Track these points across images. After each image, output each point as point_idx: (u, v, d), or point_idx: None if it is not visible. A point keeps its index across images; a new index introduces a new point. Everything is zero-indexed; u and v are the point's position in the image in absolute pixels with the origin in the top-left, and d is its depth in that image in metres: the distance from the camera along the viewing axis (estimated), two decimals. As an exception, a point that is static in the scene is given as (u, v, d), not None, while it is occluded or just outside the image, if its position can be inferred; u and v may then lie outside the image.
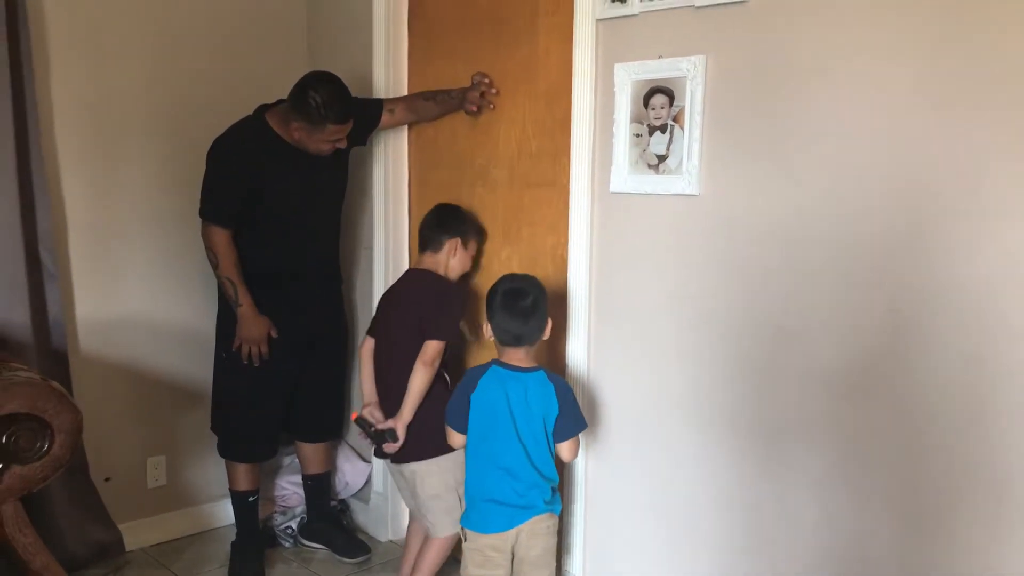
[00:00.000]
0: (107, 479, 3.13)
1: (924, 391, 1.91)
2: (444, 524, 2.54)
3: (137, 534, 3.23)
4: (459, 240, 2.71)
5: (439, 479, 2.53)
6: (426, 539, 2.63)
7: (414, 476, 2.56)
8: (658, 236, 2.37)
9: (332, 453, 3.37)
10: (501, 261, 2.86)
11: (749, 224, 2.17)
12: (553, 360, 2.72)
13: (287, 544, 3.31)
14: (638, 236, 2.42)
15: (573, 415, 2.26)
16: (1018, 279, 1.77)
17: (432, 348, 2.50)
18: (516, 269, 2.79)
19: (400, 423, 2.49)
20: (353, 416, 2.64)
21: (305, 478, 3.31)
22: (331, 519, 3.32)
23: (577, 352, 2.62)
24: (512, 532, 2.21)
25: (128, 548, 3.19)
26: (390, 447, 2.51)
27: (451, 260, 2.70)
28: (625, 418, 2.53)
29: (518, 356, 2.26)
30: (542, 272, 2.72)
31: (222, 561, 3.12)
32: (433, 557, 2.60)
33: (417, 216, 3.03)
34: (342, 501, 3.46)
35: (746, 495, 2.25)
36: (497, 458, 2.20)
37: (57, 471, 2.18)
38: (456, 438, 2.33)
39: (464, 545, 2.28)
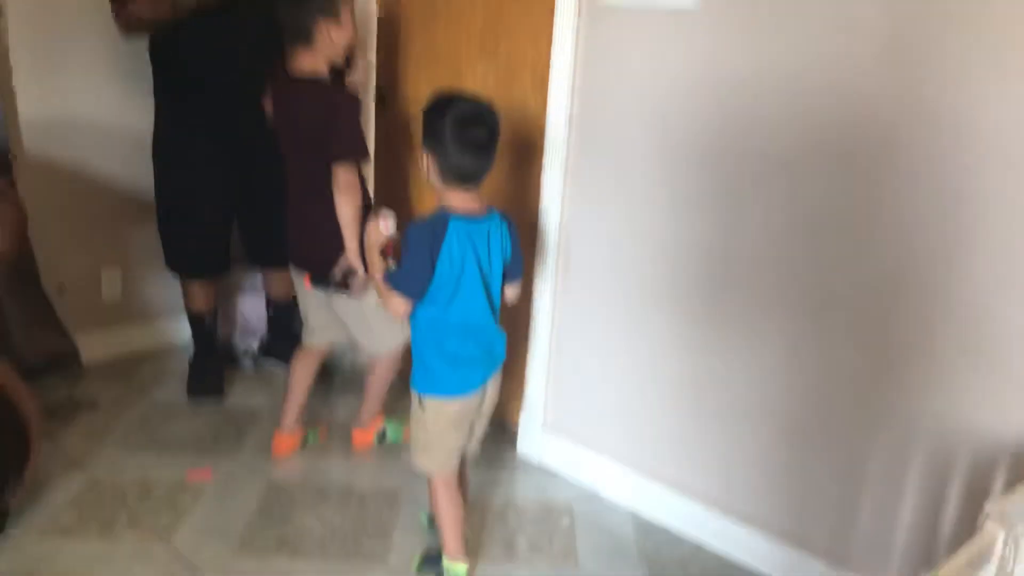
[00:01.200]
0: (60, 289, 3.04)
1: (902, 224, 1.87)
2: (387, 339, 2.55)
3: (93, 347, 3.18)
4: (328, 18, 2.31)
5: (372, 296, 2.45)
6: (373, 365, 2.64)
7: (348, 305, 2.49)
8: (648, 57, 2.24)
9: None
10: (476, 77, 2.70)
11: (747, 45, 2.05)
12: (524, 195, 2.63)
13: (247, 364, 3.29)
14: (626, 56, 2.28)
15: (519, 254, 2.09)
16: (1005, 108, 1.70)
17: (342, 174, 2.29)
18: (492, 87, 2.64)
19: (352, 258, 2.36)
20: (306, 283, 2.50)
21: (269, 302, 3.26)
22: (295, 340, 3.29)
23: (552, 185, 2.52)
24: (484, 386, 2.08)
25: (85, 361, 3.15)
26: (357, 284, 2.41)
27: (328, 46, 2.34)
28: (598, 264, 2.47)
29: (470, 199, 1.95)
30: (519, 93, 2.58)
31: (181, 375, 3.09)
32: (387, 376, 2.63)
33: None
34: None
35: (716, 339, 2.24)
36: (468, 316, 1.99)
37: (1, 266, 2.08)
38: (402, 306, 1.95)
39: (426, 417, 2.04)
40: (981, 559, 1.38)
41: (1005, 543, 1.41)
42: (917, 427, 1.94)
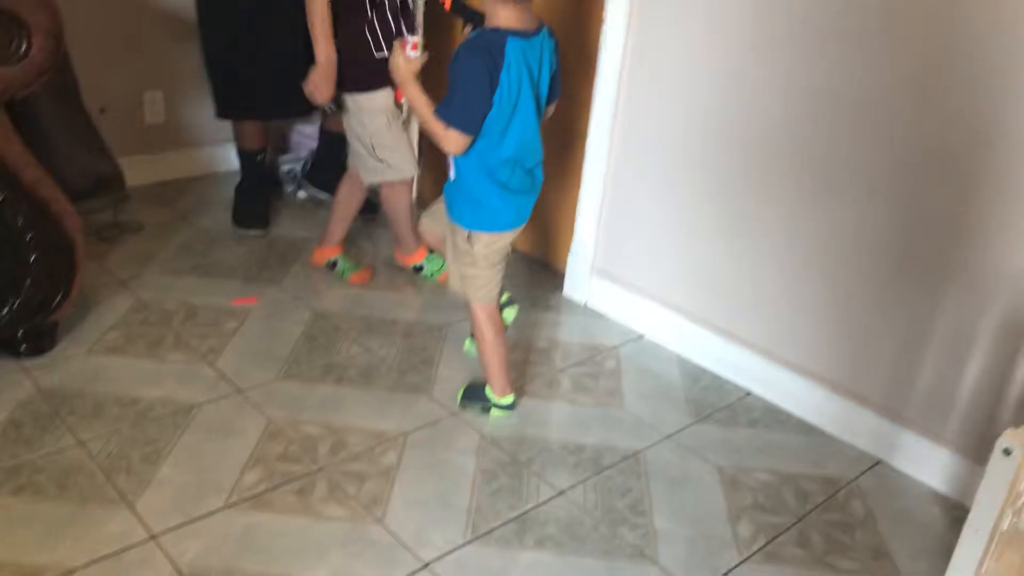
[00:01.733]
0: (102, 110, 2.95)
1: (975, 78, 1.69)
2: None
3: (136, 172, 3.13)
4: None
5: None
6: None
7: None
8: None
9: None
10: None
11: None
12: (583, 19, 2.44)
13: (289, 188, 3.23)
14: None
15: (559, 74, 1.95)
16: None
17: None
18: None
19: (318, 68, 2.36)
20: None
21: (323, 132, 3.15)
22: (342, 170, 3.21)
23: (617, 7, 2.33)
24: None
25: (128, 186, 3.11)
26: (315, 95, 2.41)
27: None
28: (658, 101, 2.31)
29: (525, 14, 1.77)
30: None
31: (226, 204, 3.05)
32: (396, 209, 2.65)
33: None
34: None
35: (782, 187, 2.10)
36: (521, 145, 1.87)
37: (39, 78, 2.00)
38: (460, 141, 1.82)
39: (475, 252, 1.95)
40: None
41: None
42: (991, 287, 1.82)
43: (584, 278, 2.66)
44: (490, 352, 2.07)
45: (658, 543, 1.77)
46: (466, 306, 2.10)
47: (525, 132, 1.87)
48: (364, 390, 2.17)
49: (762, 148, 2.13)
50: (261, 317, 2.45)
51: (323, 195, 3.16)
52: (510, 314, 2.34)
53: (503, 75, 1.76)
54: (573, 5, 2.53)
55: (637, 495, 1.90)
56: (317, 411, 2.07)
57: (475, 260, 1.98)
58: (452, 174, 1.95)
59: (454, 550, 1.70)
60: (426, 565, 1.66)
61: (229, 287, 2.58)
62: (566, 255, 2.72)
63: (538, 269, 2.88)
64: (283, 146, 3.32)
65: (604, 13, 2.37)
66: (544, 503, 1.85)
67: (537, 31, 1.82)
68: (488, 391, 2.10)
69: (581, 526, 1.80)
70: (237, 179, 3.07)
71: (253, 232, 2.95)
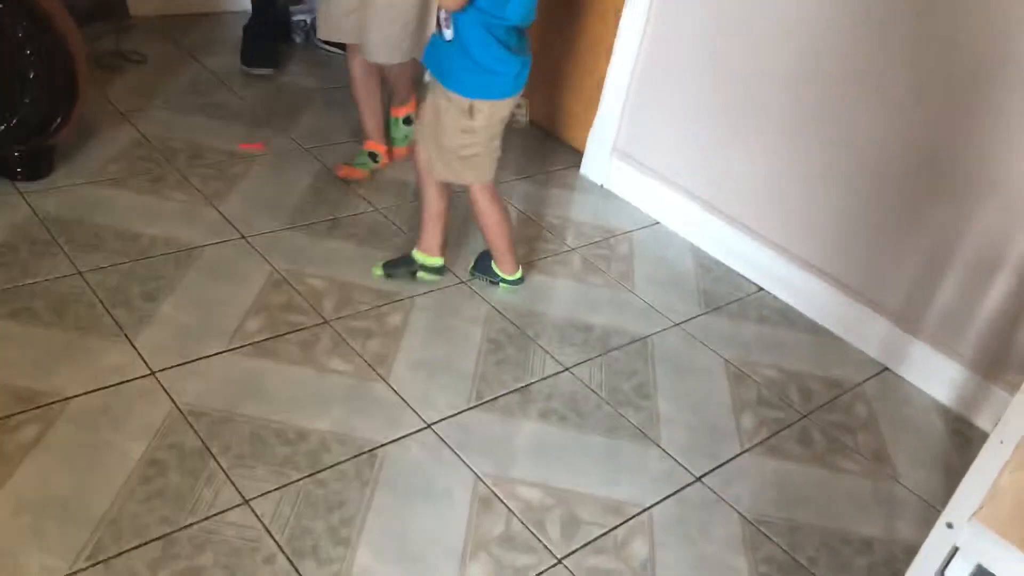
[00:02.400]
0: (107, -72, 2.77)
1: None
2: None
3: (141, 1, 2.96)
4: None
5: None
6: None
7: None
8: None
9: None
10: None
11: None
12: None
13: (298, 39, 3.07)
14: None
15: None
16: None
17: None
18: None
19: None
20: None
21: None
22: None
23: None
24: None
25: (132, 12, 2.95)
26: None
27: None
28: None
29: None
30: None
31: (234, 45, 2.89)
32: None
33: None
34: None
35: (813, 87, 1.99)
36: (526, 8, 1.74)
37: None
38: None
39: (476, 124, 1.81)
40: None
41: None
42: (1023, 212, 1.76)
43: (603, 158, 2.57)
44: (496, 235, 1.99)
45: (661, 426, 1.76)
46: (418, 193, 2.00)
47: None
48: (373, 248, 2.10)
49: (800, 47, 2.01)
50: (268, 165, 2.35)
51: (336, 51, 3.00)
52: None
53: None
54: None
55: (643, 378, 1.88)
56: (323, 265, 2.01)
57: (475, 132, 1.83)
58: (449, 34, 1.75)
59: (457, 414, 1.68)
60: (428, 426, 1.64)
61: (236, 131, 2.47)
62: (586, 133, 2.62)
63: (555, 146, 2.78)
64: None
65: None
66: (549, 377, 1.83)
67: None
68: (495, 267, 2.05)
69: (586, 402, 1.78)
70: (246, 20, 2.92)
71: (261, 71, 2.81)
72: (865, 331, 2.08)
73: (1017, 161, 1.75)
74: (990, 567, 1.32)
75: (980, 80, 1.77)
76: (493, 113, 1.82)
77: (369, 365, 1.75)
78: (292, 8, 3.08)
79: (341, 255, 2.06)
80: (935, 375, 1.97)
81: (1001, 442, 1.22)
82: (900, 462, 1.79)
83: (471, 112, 1.79)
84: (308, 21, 3.06)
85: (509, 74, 1.79)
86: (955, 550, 1.23)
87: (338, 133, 2.58)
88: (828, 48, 1.99)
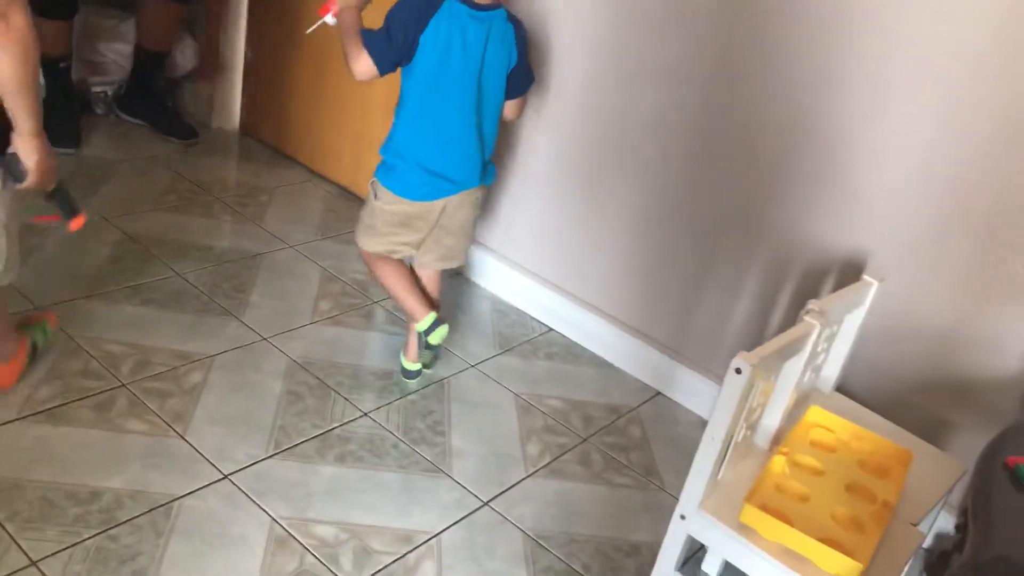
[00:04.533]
0: None
1: (774, 67, 1.89)
2: None
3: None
4: None
5: None
6: None
7: None
8: None
9: (177, 28, 3.05)
10: None
11: None
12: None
13: (99, 111, 3.08)
14: None
15: (526, 66, 1.93)
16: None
17: None
18: None
19: None
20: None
21: (138, 49, 2.99)
22: (156, 97, 3.10)
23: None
24: (440, 202, 1.93)
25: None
26: None
27: None
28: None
29: None
30: None
31: (30, 118, 2.87)
32: None
33: None
34: (170, 80, 3.21)
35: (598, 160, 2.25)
36: (449, 122, 1.86)
37: None
38: (367, 68, 1.77)
39: (377, 203, 1.94)
40: (795, 346, 1.51)
41: (818, 336, 1.56)
42: (764, 237, 2.05)
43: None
44: (395, 288, 2.03)
45: (452, 459, 1.90)
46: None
47: (457, 107, 1.84)
48: (174, 311, 2.16)
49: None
50: (64, 235, 2.36)
51: (137, 123, 3.04)
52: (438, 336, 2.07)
53: (431, 23, 1.75)
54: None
55: (438, 417, 2.02)
56: (121, 330, 2.04)
57: (372, 211, 1.96)
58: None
59: (255, 463, 1.76)
60: (226, 476, 1.71)
61: (33, 204, 2.46)
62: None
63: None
64: (91, 61, 3.14)
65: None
66: (348, 423, 1.94)
67: (490, 7, 1.79)
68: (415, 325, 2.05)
69: (383, 443, 1.90)
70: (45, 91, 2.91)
71: (62, 150, 2.81)
72: (640, 361, 2.32)
73: (760, 195, 2.05)
74: (718, 550, 1.53)
75: (779, 152, 2.06)
76: (392, 202, 1.93)
77: (166, 423, 1.80)
78: (91, 79, 3.09)
79: (140, 320, 2.10)
80: (697, 395, 2.22)
81: (712, 439, 1.44)
82: (667, 474, 2.01)
83: (373, 187, 1.96)
84: (109, 93, 3.07)
85: (415, 179, 1.89)
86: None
87: (142, 200, 2.61)
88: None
